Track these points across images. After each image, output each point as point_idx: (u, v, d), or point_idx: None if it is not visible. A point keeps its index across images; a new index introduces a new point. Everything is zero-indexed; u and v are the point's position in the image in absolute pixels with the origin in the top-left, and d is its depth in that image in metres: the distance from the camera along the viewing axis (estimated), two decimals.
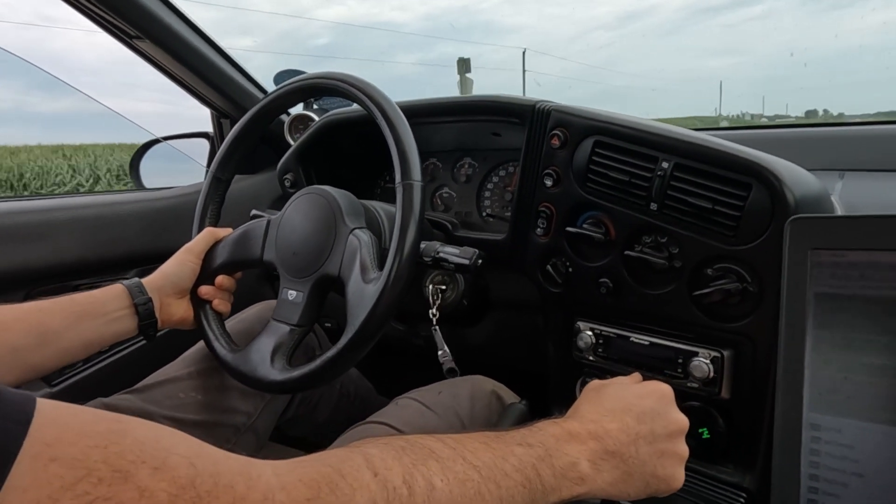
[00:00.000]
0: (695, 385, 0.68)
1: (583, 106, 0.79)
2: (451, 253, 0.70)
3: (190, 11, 1.02)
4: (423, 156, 1.00)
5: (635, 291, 0.72)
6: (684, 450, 0.51)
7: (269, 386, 0.67)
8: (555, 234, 0.79)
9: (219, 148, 0.83)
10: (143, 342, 0.70)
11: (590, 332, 0.77)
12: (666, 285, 0.70)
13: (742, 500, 0.68)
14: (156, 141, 1.32)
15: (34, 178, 7.44)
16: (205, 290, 0.75)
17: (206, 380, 0.76)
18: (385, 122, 0.67)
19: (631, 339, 0.73)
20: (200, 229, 0.79)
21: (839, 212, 0.73)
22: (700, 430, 0.69)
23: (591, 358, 0.77)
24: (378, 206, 0.78)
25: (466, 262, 0.69)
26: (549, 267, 0.79)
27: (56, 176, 7.55)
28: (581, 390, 0.70)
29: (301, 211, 0.72)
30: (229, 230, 0.78)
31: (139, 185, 1.30)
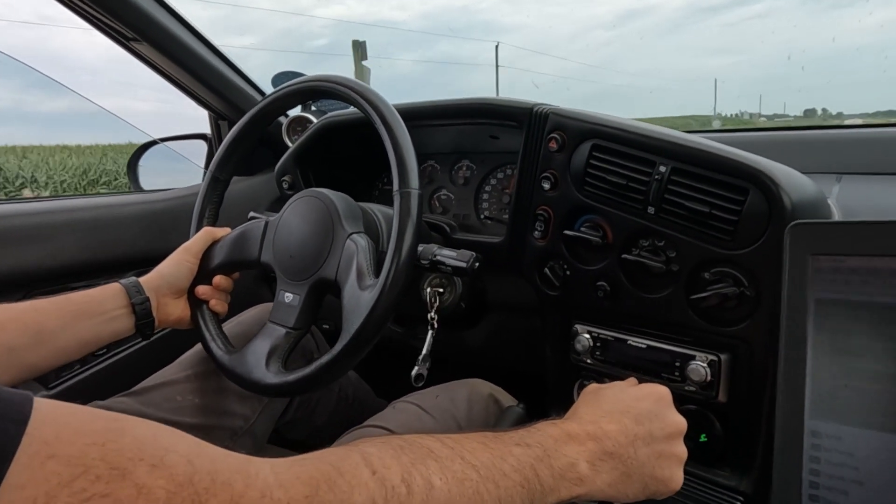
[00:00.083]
0: (692, 388, 0.68)
1: (580, 109, 0.79)
2: (448, 256, 0.70)
3: (188, 10, 1.02)
4: (422, 158, 1.00)
5: (632, 295, 0.72)
6: (682, 451, 0.51)
7: (264, 389, 0.66)
8: (552, 238, 0.79)
9: (216, 150, 0.83)
10: (140, 345, 0.70)
11: (587, 336, 0.77)
12: (663, 289, 0.70)
13: (739, 503, 0.68)
14: (153, 142, 1.32)
15: None
16: (202, 289, 0.75)
17: (204, 383, 0.76)
18: (383, 126, 0.67)
19: (628, 342, 0.73)
20: (198, 229, 0.79)
21: (836, 215, 0.73)
22: (700, 434, 0.69)
23: (588, 361, 0.77)
24: (376, 209, 0.78)
25: (464, 265, 0.69)
26: (546, 270, 0.79)
27: None
28: (579, 393, 0.71)
29: (299, 214, 0.72)
30: (227, 230, 0.78)
31: (137, 187, 1.30)
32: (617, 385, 0.56)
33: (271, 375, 0.65)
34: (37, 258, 0.90)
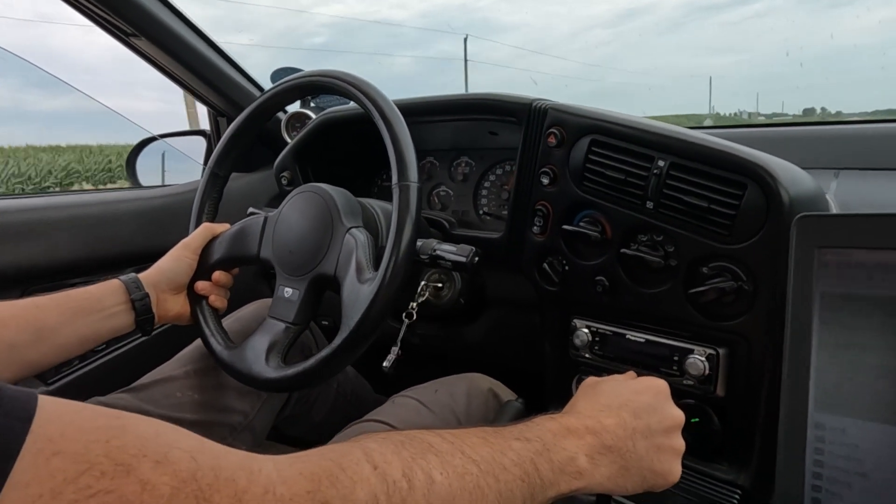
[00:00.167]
0: (690, 383, 0.68)
1: (579, 104, 0.79)
2: (447, 251, 0.70)
3: (188, 9, 1.02)
4: (421, 154, 1.00)
5: (631, 290, 0.72)
6: (681, 444, 0.51)
7: (263, 384, 0.67)
8: (551, 233, 0.79)
9: (215, 145, 0.83)
10: (140, 341, 0.70)
11: (586, 330, 0.77)
12: (661, 284, 0.70)
13: (737, 497, 0.68)
14: (152, 138, 1.32)
15: None
16: (201, 285, 0.75)
17: (203, 379, 0.76)
18: (382, 121, 0.67)
19: (627, 336, 0.74)
20: (197, 225, 0.79)
21: (834, 210, 0.74)
22: (692, 420, 0.69)
23: (587, 356, 0.77)
24: (375, 204, 0.78)
25: (463, 259, 0.69)
26: (545, 265, 0.80)
27: None
28: (577, 388, 0.71)
29: (298, 209, 0.72)
30: (226, 226, 0.78)
31: (136, 183, 1.30)
32: (615, 379, 0.56)
33: (271, 370, 0.66)
34: (35, 255, 0.90)
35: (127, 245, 1.02)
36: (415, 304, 0.82)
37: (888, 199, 0.83)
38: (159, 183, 1.21)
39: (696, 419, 0.69)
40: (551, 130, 0.77)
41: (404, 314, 0.80)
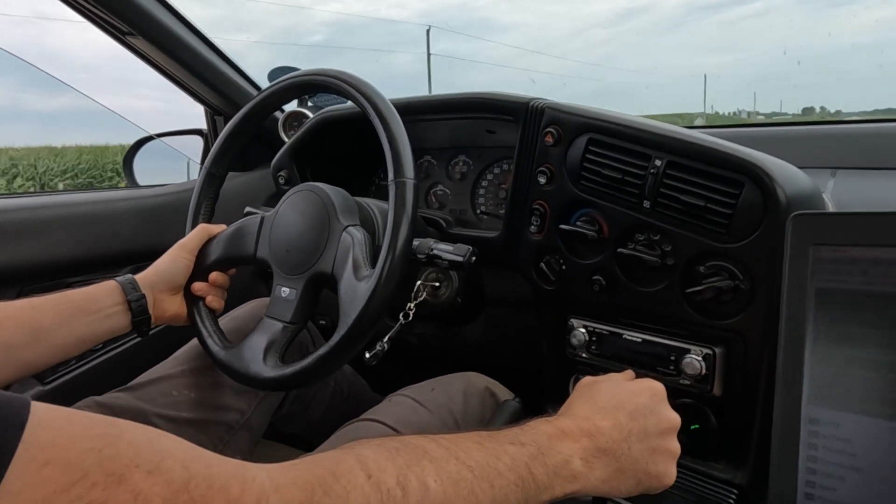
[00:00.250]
0: (687, 382, 0.68)
1: (577, 103, 0.79)
2: (444, 250, 0.70)
3: (187, 8, 1.01)
4: (418, 153, 1.00)
5: (628, 289, 0.72)
6: (676, 447, 0.51)
7: (261, 383, 0.67)
8: (548, 232, 0.79)
9: (213, 145, 0.83)
10: (136, 340, 0.70)
11: (583, 330, 0.77)
12: (658, 283, 0.70)
13: (733, 496, 0.68)
14: (149, 138, 1.32)
15: None
16: (198, 286, 0.75)
17: (200, 377, 0.76)
18: (378, 119, 0.67)
19: (624, 336, 0.74)
20: (194, 225, 0.79)
21: (830, 209, 0.74)
22: (692, 426, 0.69)
23: (584, 355, 0.77)
24: (372, 204, 0.78)
25: (460, 258, 0.69)
26: (542, 264, 0.80)
27: None
28: (574, 387, 0.71)
29: (295, 208, 0.72)
30: (223, 226, 0.78)
31: (133, 183, 1.29)
32: (612, 379, 0.56)
33: (269, 369, 0.66)
34: (33, 254, 0.90)
35: (124, 244, 1.02)
36: (412, 305, 0.82)
37: (885, 197, 0.84)
38: (156, 182, 1.20)
39: (697, 426, 0.69)
40: (548, 129, 0.77)
41: (402, 314, 0.80)
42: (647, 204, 0.69)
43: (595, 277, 0.74)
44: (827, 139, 1.00)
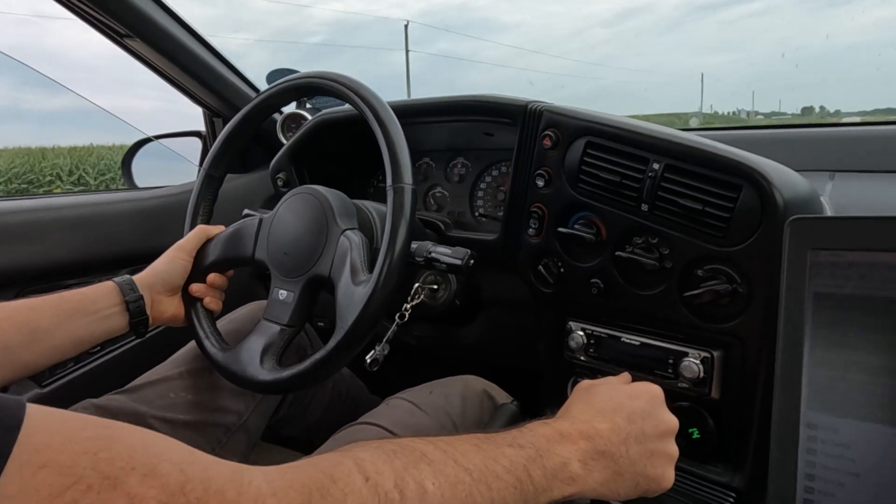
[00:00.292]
0: (685, 385, 0.68)
1: (575, 106, 0.79)
2: (443, 253, 0.70)
3: (185, 8, 1.01)
4: (416, 155, 1.00)
5: (626, 292, 0.72)
6: (674, 450, 0.51)
7: (258, 386, 0.66)
8: (547, 235, 0.79)
9: (211, 147, 0.83)
10: (134, 342, 0.70)
11: (581, 333, 0.77)
12: (656, 286, 0.70)
13: (731, 499, 0.68)
14: (147, 140, 1.31)
15: None
16: (196, 287, 0.75)
17: (197, 380, 0.76)
18: (377, 123, 0.67)
19: (622, 339, 0.74)
20: (192, 227, 0.79)
21: (829, 213, 0.74)
22: (690, 431, 0.69)
23: (582, 358, 0.77)
24: (371, 206, 0.78)
25: (459, 262, 0.69)
26: (540, 267, 0.80)
27: None
28: (572, 390, 0.71)
29: (293, 210, 0.72)
30: (221, 227, 0.78)
31: (131, 185, 1.29)
32: (610, 382, 0.56)
33: (265, 372, 0.65)
34: (31, 256, 0.90)
35: (123, 246, 1.02)
36: (408, 306, 0.82)
37: (883, 201, 0.84)
38: (155, 184, 1.20)
39: (697, 435, 0.69)
40: (546, 132, 0.77)
41: (397, 315, 0.80)
42: (645, 207, 0.69)
43: (593, 280, 0.74)
44: (825, 142, 1.00)
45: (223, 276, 0.77)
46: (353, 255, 0.65)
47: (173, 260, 0.74)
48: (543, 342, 0.84)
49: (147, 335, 0.71)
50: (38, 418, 0.26)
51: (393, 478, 0.35)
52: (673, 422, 0.52)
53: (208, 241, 0.77)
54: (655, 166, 0.68)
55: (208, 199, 0.82)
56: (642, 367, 0.72)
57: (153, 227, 1.06)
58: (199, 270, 0.75)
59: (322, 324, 1.07)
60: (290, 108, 1.25)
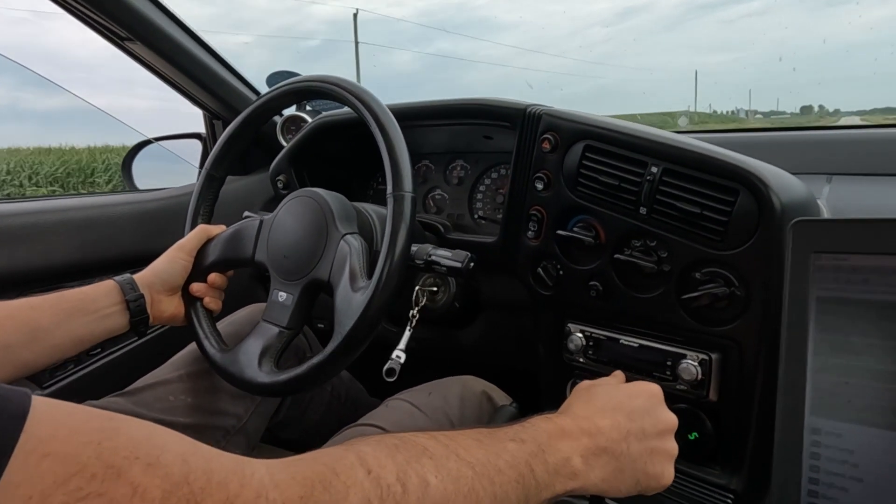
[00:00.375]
0: (683, 387, 0.69)
1: (574, 110, 0.79)
2: (443, 256, 0.70)
3: (185, 7, 1.01)
4: (416, 158, 1.00)
5: (625, 295, 0.73)
6: (674, 448, 0.52)
7: (255, 388, 0.67)
8: (545, 238, 0.79)
9: (211, 149, 0.83)
10: (133, 345, 0.70)
11: (580, 335, 0.77)
12: (655, 289, 0.70)
13: (729, 501, 0.68)
14: (147, 142, 1.32)
15: None
16: (196, 287, 0.75)
17: (197, 382, 0.76)
18: (378, 128, 0.67)
19: (620, 341, 0.74)
20: (193, 226, 0.79)
21: (826, 216, 0.74)
22: (689, 434, 0.69)
23: (581, 360, 0.77)
24: (370, 209, 0.78)
25: (458, 265, 0.69)
26: (539, 270, 0.80)
27: None
28: (571, 392, 0.71)
29: (293, 213, 0.72)
30: (222, 227, 0.78)
31: (131, 187, 1.29)
32: (609, 382, 0.57)
33: (263, 375, 0.66)
34: (31, 258, 0.90)
35: (123, 248, 1.02)
36: (414, 312, 0.82)
37: (880, 204, 0.84)
38: (155, 186, 1.21)
39: (696, 435, 0.69)
40: (545, 136, 0.78)
41: (408, 324, 0.80)
42: (643, 210, 0.70)
43: (592, 283, 0.75)
44: (823, 145, 1.00)
45: (223, 277, 0.77)
46: (353, 260, 0.66)
47: (174, 259, 0.74)
48: (542, 344, 0.85)
49: (147, 336, 0.71)
50: (44, 409, 0.26)
51: (395, 471, 0.35)
52: (672, 420, 0.52)
53: (209, 241, 0.77)
54: (654, 170, 0.69)
55: (209, 199, 0.82)
56: (641, 368, 0.72)
57: (154, 228, 1.06)
58: (199, 270, 0.76)
59: (321, 325, 1.07)
60: (290, 110, 1.25)
